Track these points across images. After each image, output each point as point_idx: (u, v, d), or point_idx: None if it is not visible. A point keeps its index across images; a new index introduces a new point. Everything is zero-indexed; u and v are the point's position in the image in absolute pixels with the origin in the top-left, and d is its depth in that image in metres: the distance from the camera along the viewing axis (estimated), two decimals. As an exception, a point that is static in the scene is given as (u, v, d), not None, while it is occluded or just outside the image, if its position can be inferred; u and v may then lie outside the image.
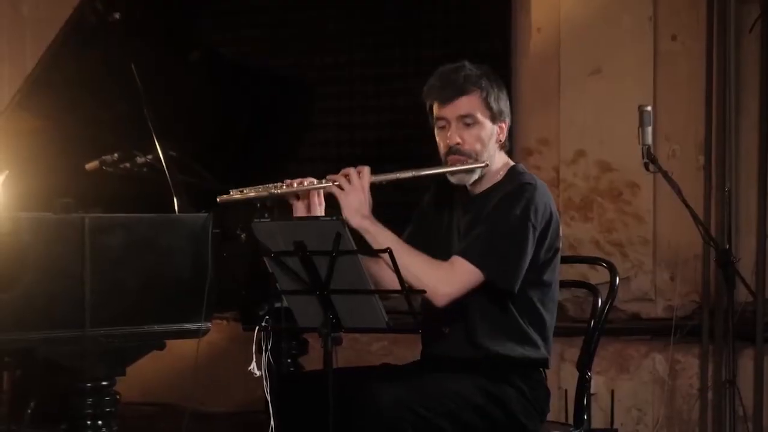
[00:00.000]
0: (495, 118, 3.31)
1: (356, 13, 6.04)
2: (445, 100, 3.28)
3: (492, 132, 3.31)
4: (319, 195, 3.31)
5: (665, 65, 5.28)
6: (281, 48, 6.13)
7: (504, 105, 3.33)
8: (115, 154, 3.89)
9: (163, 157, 3.62)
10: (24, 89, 3.81)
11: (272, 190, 3.24)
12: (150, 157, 3.79)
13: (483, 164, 3.29)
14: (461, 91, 3.27)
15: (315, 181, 3.24)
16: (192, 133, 4.11)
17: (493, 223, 3.21)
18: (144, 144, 3.75)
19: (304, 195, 3.29)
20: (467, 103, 3.27)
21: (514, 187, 3.27)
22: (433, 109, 3.33)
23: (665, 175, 4.11)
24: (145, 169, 3.84)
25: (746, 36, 5.12)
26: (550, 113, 5.48)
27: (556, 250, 3.33)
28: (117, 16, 3.75)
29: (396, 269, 2.93)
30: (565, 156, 5.47)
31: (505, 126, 3.35)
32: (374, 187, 3.23)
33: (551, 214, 3.27)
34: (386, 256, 2.93)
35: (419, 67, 5.84)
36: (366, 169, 3.22)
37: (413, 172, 3.29)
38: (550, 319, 3.35)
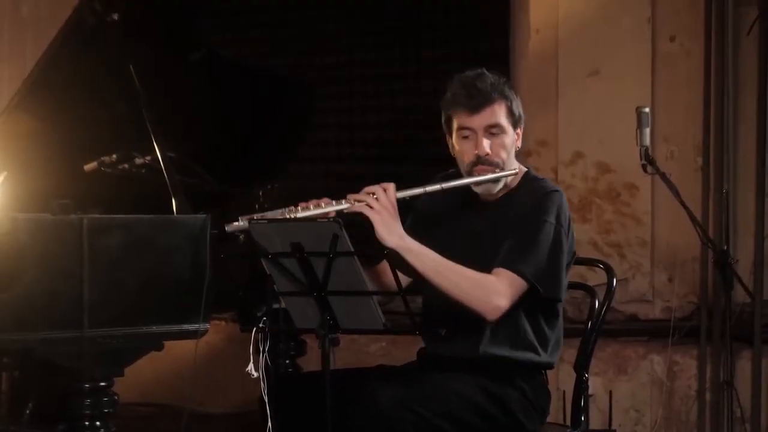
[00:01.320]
0: (516, 124, 3.30)
1: (356, 14, 6.05)
2: (474, 109, 3.24)
3: (513, 140, 3.30)
4: None
5: (664, 66, 5.29)
6: (281, 48, 6.13)
7: (522, 110, 3.33)
8: (114, 155, 3.89)
9: (162, 158, 3.62)
10: (23, 90, 3.81)
11: (287, 215, 3.12)
12: (149, 158, 3.79)
13: (512, 171, 3.27)
14: (489, 100, 3.24)
15: (333, 202, 3.14)
16: (191, 133, 4.11)
17: (529, 232, 3.20)
18: (143, 145, 3.75)
19: None
20: (495, 113, 3.25)
21: (542, 194, 3.26)
22: (454, 118, 3.29)
23: (663, 176, 4.11)
24: (143, 170, 3.84)
25: (744, 37, 5.13)
26: (549, 114, 5.48)
27: (574, 253, 3.35)
28: (116, 16, 3.75)
29: (394, 273, 2.94)
30: (563, 157, 5.47)
31: (521, 132, 3.34)
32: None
33: (569, 219, 3.29)
34: (422, 267, 2.96)
35: (419, 67, 5.85)
36: (391, 186, 3.15)
37: (440, 185, 3.25)
38: (559, 320, 3.36)
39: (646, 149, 4.10)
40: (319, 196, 3.23)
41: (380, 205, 3.09)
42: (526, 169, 3.38)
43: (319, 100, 4.88)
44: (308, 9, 6.16)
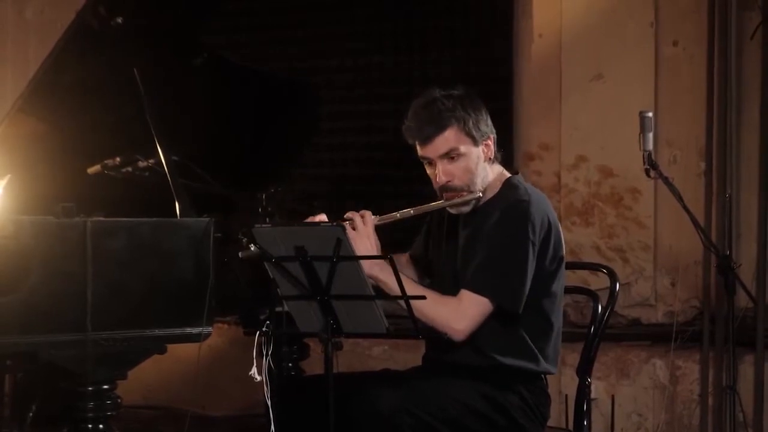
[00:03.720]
0: (477, 141, 3.29)
1: (358, 17, 6.05)
2: (424, 140, 3.27)
3: (478, 156, 3.30)
4: None
5: (667, 71, 5.29)
6: (281, 51, 6.13)
7: (484, 125, 3.30)
8: (118, 158, 3.89)
9: (165, 161, 3.62)
10: (26, 93, 3.81)
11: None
12: (152, 161, 3.79)
13: (476, 195, 3.30)
14: (438, 129, 3.25)
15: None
16: (195, 137, 4.11)
17: (491, 247, 3.22)
18: (146, 148, 3.75)
19: None
20: (446, 140, 3.26)
21: (508, 205, 3.26)
22: (416, 147, 3.32)
23: (666, 180, 4.12)
24: (147, 173, 3.84)
25: (747, 42, 5.13)
26: (552, 118, 5.49)
27: (561, 258, 3.33)
28: (120, 20, 3.75)
29: (397, 278, 2.95)
30: (566, 161, 5.48)
31: (491, 142, 3.33)
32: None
33: (550, 225, 3.27)
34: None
35: (423, 71, 5.85)
36: (368, 214, 3.20)
37: (413, 210, 3.30)
38: (558, 326, 3.36)
39: (649, 153, 4.10)
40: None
41: (357, 235, 3.12)
42: (508, 175, 3.38)
43: (324, 104, 4.89)
44: (309, 12, 6.16)
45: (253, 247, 3.12)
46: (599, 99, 5.36)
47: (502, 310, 3.21)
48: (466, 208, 3.32)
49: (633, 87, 5.29)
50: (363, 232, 3.15)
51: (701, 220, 4.71)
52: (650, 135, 4.12)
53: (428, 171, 3.33)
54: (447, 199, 3.30)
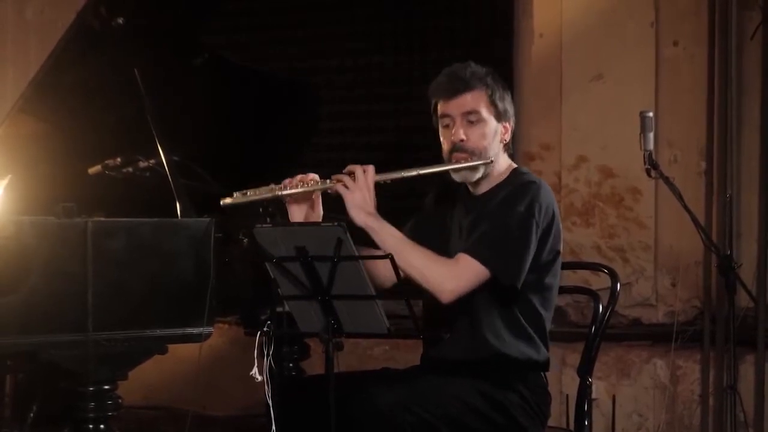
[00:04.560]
0: (500, 116, 3.32)
1: (358, 18, 6.05)
2: (451, 94, 3.29)
3: (496, 130, 3.32)
4: (317, 200, 3.33)
5: (667, 71, 5.29)
6: (281, 51, 6.13)
7: (509, 105, 3.35)
8: (118, 158, 3.88)
9: (166, 162, 3.62)
10: (27, 93, 3.81)
11: (276, 192, 3.26)
12: (153, 161, 3.79)
13: (488, 161, 3.30)
14: (467, 87, 3.28)
15: (319, 181, 3.26)
16: (196, 137, 4.11)
17: (496, 219, 3.23)
18: (147, 148, 3.75)
19: (303, 198, 3.31)
20: (472, 99, 3.29)
21: (518, 184, 3.28)
22: (438, 107, 3.34)
23: (667, 180, 4.12)
24: (147, 174, 3.84)
25: (748, 42, 5.13)
26: (552, 118, 5.49)
27: (557, 252, 3.34)
28: (121, 20, 3.75)
29: (396, 273, 2.94)
30: (566, 161, 5.48)
31: (509, 126, 3.36)
32: (379, 188, 3.25)
33: (553, 215, 3.29)
34: (385, 246, 2.97)
35: (423, 71, 5.85)
36: (370, 168, 3.24)
37: (417, 171, 3.31)
38: (549, 322, 3.36)
39: (650, 153, 4.10)
40: (322, 198, 3.30)
41: (356, 185, 3.18)
42: (515, 166, 3.41)
43: (324, 105, 4.89)
44: (309, 12, 6.16)
45: (235, 195, 3.19)
46: (600, 99, 5.36)
47: (499, 285, 3.21)
48: (472, 176, 3.32)
49: (633, 87, 5.29)
50: (362, 183, 3.18)
51: (702, 220, 4.71)
52: (651, 135, 4.12)
53: (443, 135, 3.34)
54: (456, 161, 3.30)
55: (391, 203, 3.39)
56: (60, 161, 3.98)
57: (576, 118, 5.44)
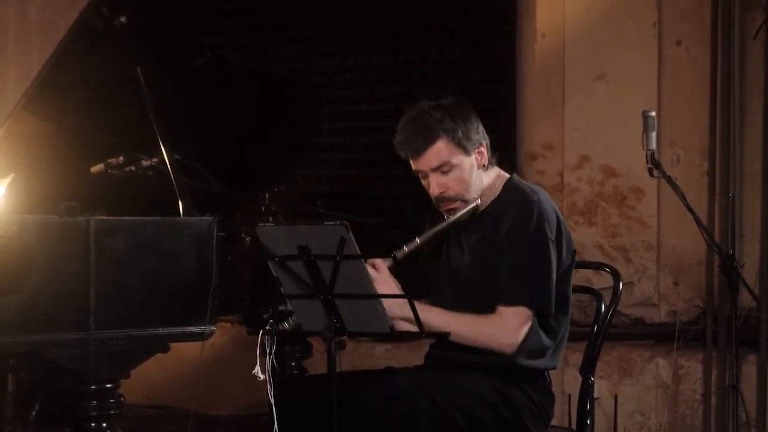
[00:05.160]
0: (469, 150, 3.29)
1: (360, 17, 6.04)
2: (415, 154, 3.28)
3: (471, 165, 3.31)
4: None
5: (669, 71, 5.28)
6: (285, 51, 6.13)
7: (474, 133, 3.30)
8: (121, 157, 3.88)
9: (169, 161, 3.62)
10: (30, 92, 3.81)
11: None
12: (155, 160, 3.79)
13: (474, 204, 3.31)
14: (426, 142, 3.25)
15: None
16: (198, 136, 4.12)
17: (514, 253, 3.23)
18: (149, 147, 3.75)
19: None
20: (437, 153, 3.26)
21: (519, 207, 3.27)
22: (409, 161, 3.33)
23: (669, 180, 4.11)
24: (150, 172, 3.84)
25: (750, 42, 5.13)
26: (555, 118, 5.49)
27: (574, 251, 3.36)
28: (123, 20, 3.75)
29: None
30: (569, 161, 5.47)
31: (483, 149, 3.33)
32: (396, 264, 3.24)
33: (558, 219, 3.29)
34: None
35: (423, 71, 5.85)
36: (378, 262, 3.18)
37: (419, 239, 3.29)
38: (566, 322, 3.37)
39: (652, 153, 4.09)
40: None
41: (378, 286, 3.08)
42: (507, 176, 3.40)
43: (325, 105, 4.89)
44: (309, 12, 6.15)
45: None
46: (602, 99, 5.36)
47: (538, 313, 3.23)
48: (467, 215, 3.33)
49: (636, 87, 5.29)
50: (380, 281, 3.12)
51: (704, 220, 4.71)
52: (653, 134, 4.11)
53: (423, 183, 3.35)
54: (445, 210, 3.32)
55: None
56: (62, 160, 3.98)
57: (578, 118, 5.44)
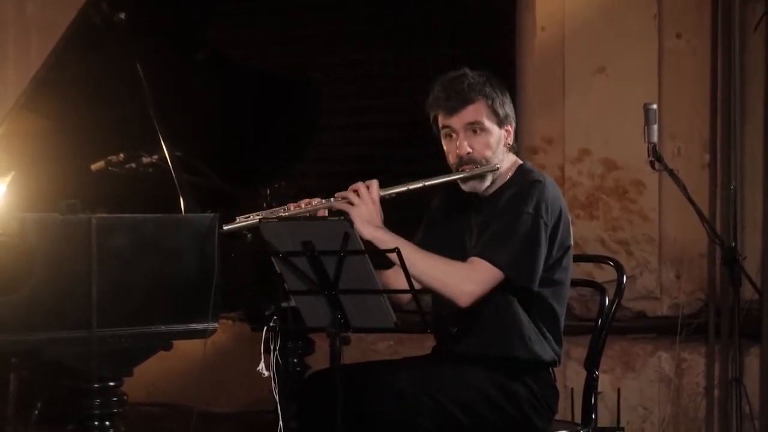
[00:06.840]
0: (501, 122, 3.33)
1: (360, 14, 6.04)
2: (451, 110, 3.29)
3: (499, 137, 3.33)
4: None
5: (670, 63, 5.28)
6: (285, 48, 6.12)
7: (509, 108, 3.36)
8: (121, 155, 3.88)
9: (169, 157, 3.61)
10: (29, 90, 3.80)
11: (281, 214, 3.24)
12: (156, 157, 3.78)
13: (494, 168, 3.30)
14: (466, 101, 3.28)
15: (323, 201, 3.25)
16: (198, 133, 4.11)
17: (505, 221, 3.23)
18: (150, 144, 3.74)
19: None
20: (473, 112, 3.28)
21: (523, 184, 3.29)
22: (438, 119, 3.34)
23: (671, 173, 4.11)
24: (151, 170, 3.83)
25: (751, 34, 5.13)
26: (555, 112, 5.48)
27: (568, 247, 3.34)
28: (123, 16, 3.74)
29: (404, 269, 2.93)
30: (570, 154, 5.47)
31: (511, 129, 3.37)
32: (385, 202, 3.24)
33: (560, 211, 3.29)
34: (395, 256, 2.93)
35: (424, 66, 5.84)
36: (374, 182, 3.23)
37: (423, 182, 3.30)
38: (562, 317, 3.37)
39: (654, 146, 4.09)
40: (324, 196, 3.30)
41: (360, 201, 3.17)
42: (520, 162, 3.42)
43: (326, 101, 4.89)
44: (311, 9, 6.15)
45: (237, 219, 3.15)
46: (602, 92, 5.36)
47: (513, 284, 3.22)
48: (481, 185, 3.32)
49: (636, 80, 5.28)
50: (366, 198, 3.18)
51: (706, 213, 4.70)
52: (654, 127, 4.11)
53: (446, 146, 3.35)
54: (465, 171, 3.31)
55: (401, 212, 3.40)
56: (63, 158, 3.97)
57: (579, 111, 5.43)
